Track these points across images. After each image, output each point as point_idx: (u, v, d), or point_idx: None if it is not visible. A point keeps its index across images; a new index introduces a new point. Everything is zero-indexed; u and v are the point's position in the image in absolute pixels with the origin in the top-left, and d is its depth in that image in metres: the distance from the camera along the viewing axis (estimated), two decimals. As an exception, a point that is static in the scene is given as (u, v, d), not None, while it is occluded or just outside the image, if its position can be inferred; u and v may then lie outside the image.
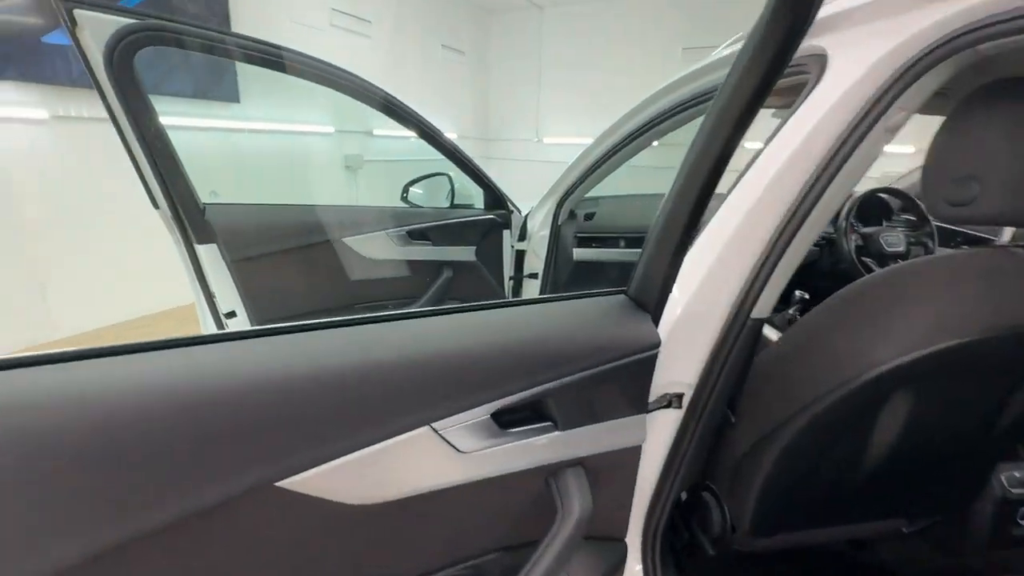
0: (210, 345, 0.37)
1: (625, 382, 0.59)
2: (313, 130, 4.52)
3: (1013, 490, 1.06)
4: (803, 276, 0.91)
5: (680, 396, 0.84)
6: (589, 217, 1.96)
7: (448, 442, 0.47)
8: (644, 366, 0.60)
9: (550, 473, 0.58)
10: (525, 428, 0.53)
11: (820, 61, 0.70)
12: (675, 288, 0.79)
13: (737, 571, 1.12)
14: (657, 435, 0.86)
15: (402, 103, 1.37)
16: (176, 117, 3.17)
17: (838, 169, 0.65)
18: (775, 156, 0.69)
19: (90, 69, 1.02)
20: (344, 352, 0.42)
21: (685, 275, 0.77)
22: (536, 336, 0.53)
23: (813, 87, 0.68)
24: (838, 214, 1.64)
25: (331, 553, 0.47)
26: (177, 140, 1.23)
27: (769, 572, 1.14)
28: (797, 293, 1.46)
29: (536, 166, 6.61)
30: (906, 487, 1.02)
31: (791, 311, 1.42)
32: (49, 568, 0.31)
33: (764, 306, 0.76)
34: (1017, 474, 1.07)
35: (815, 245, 1.82)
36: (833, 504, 1.00)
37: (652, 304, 0.60)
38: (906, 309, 0.68)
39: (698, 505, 1.05)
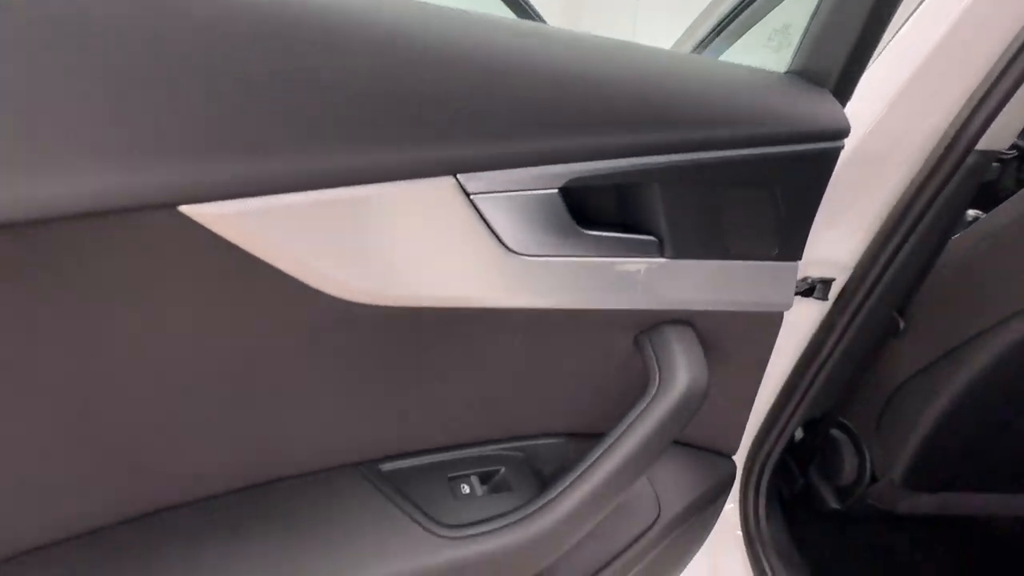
0: None
1: (781, 191, 0.36)
2: None
3: None
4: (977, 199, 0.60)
5: (828, 282, 0.60)
6: None
7: (486, 222, 0.29)
8: (814, 168, 0.37)
9: (641, 328, 0.39)
10: (612, 235, 0.34)
11: None
12: (850, 106, 0.53)
13: (865, 536, 0.87)
14: (785, 335, 0.63)
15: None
16: None
17: None
18: None
19: None
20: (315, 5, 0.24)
21: (868, 88, 0.51)
22: (645, 68, 0.32)
23: None
24: None
25: (345, 361, 0.31)
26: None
27: (910, 544, 0.87)
28: (971, 212, 1.09)
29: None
30: None
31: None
32: None
33: (1001, 135, 0.49)
34: None
35: (997, 160, 1.39)
36: None
37: (833, 77, 0.37)
38: None
39: (823, 446, 0.80)
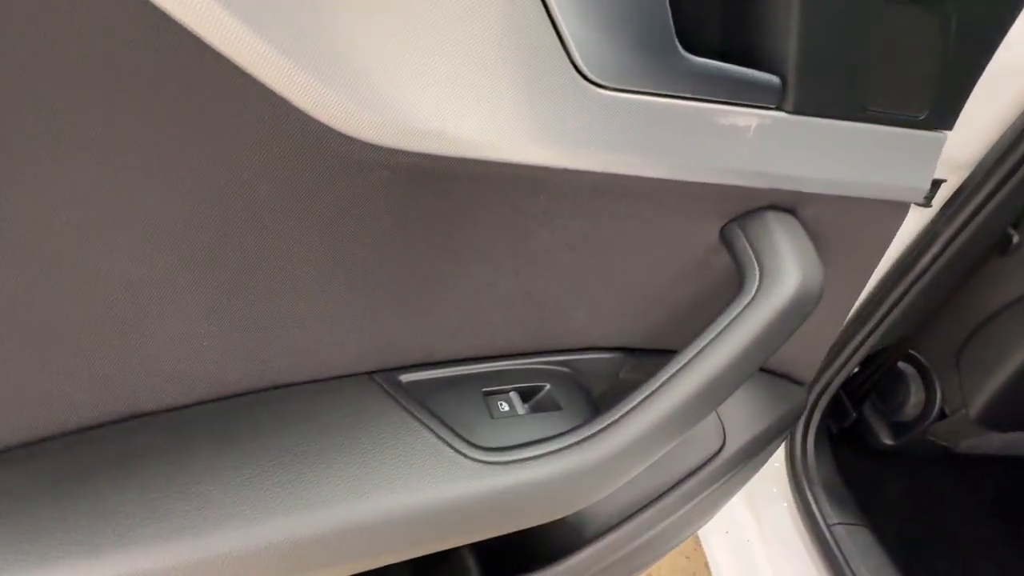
0: None
1: (958, 22, 0.26)
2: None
3: None
4: None
5: (936, 184, 0.50)
6: None
7: (557, 30, 0.19)
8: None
9: (732, 216, 0.30)
10: (722, 65, 0.24)
11: None
12: None
13: (920, 472, 0.81)
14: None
15: None
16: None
17: None
18: None
19: None
20: None
21: None
22: None
23: None
24: None
25: (304, 220, 0.23)
26: None
27: (957, 482, 0.82)
28: None
29: None
30: None
31: None
32: None
33: None
34: None
35: None
36: None
37: None
38: None
39: (891, 381, 0.73)
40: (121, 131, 0.18)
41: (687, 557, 1.02)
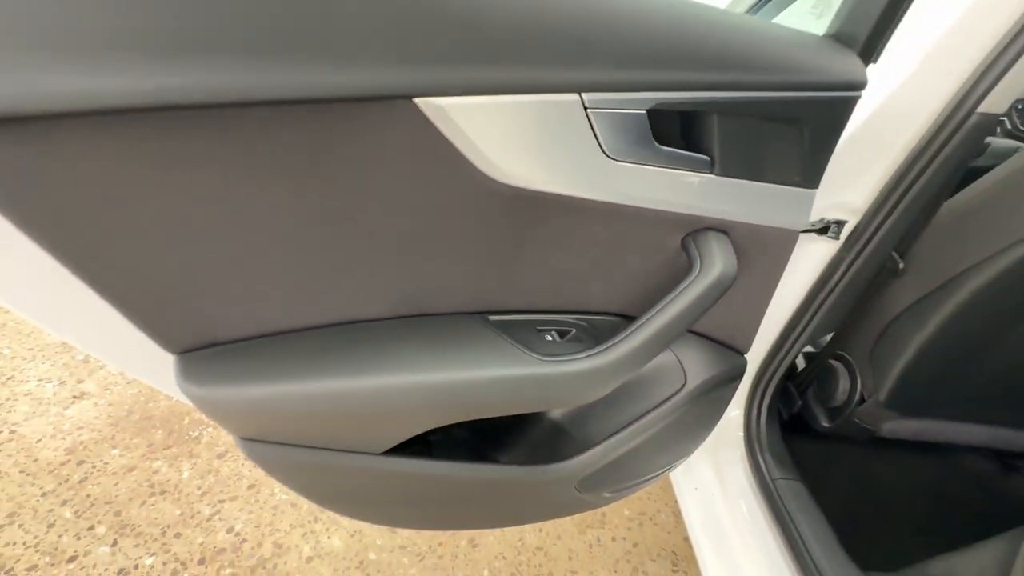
0: None
1: (807, 130, 0.48)
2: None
3: None
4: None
5: (841, 224, 0.71)
6: None
7: (595, 130, 0.41)
8: (835, 114, 0.48)
9: (691, 231, 0.51)
10: (678, 151, 0.45)
11: None
12: (875, 72, 0.63)
13: (849, 452, 1.02)
14: (798, 268, 0.75)
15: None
16: None
17: None
18: None
19: None
20: None
21: (891, 58, 0.61)
22: (716, 26, 0.43)
23: None
24: None
25: (449, 228, 0.45)
26: None
27: (886, 463, 1.02)
28: None
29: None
30: None
31: None
32: None
33: (999, 98, 0.58)
34: None
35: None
36: (1002, 399, 0.84)
37: (862, 40, 0.47)
38: None
39: (823, 374, 0.94)
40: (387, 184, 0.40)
41: (656, 510, 1.22)
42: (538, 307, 0.54)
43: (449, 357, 0.46)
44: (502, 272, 0.50)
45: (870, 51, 0.48)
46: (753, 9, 1.21)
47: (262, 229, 0.39)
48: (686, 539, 1.20)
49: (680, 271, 0.52)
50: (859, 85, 0.47)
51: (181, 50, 0.29)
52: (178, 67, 0.29)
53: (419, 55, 0.34)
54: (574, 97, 0.39)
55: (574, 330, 0.54)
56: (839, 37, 0.49)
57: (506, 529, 1.18)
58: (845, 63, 0.47)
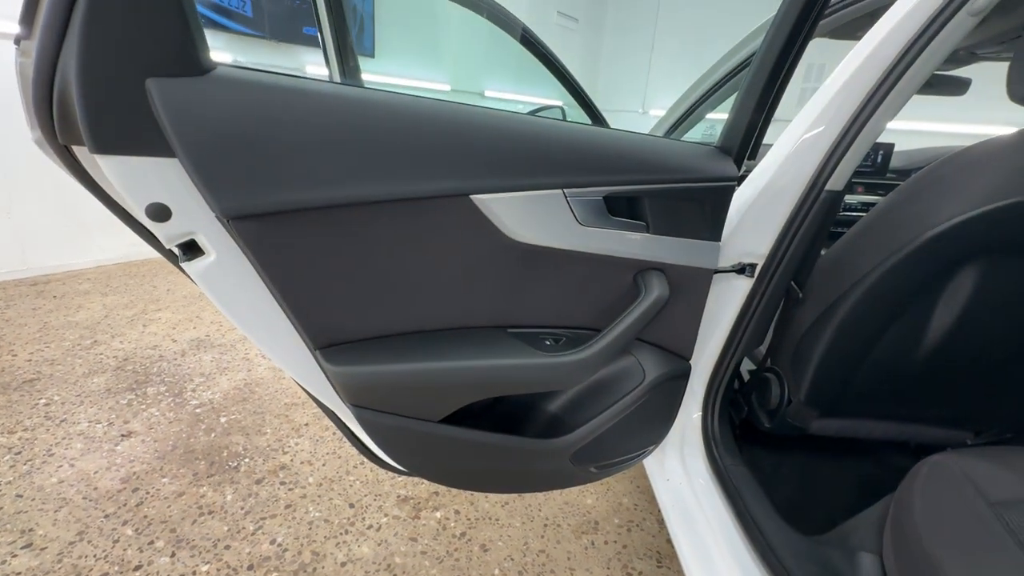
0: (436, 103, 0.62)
1: (705, 206, 0.76)
2: (432, 87, 4.91)
3: None
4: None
5: (753, 266, 0.99)
6: None
7: (572, 210, 0.68)
8: (721, 196, 0.76)
9: (638, 271, 0.78)
10: (625, 220, 0.73)
11: None
12: (760, 166, 0.94)
13: (788, 449, 1.25)
14: (727, 300, 1.02)
15: (533, 33, 1.57)
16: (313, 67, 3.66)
17: (922, 50, 0.75)
18: (867, 44, 0.81)
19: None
20: (515, 120, 0.64)
21: (772, 156, 0.92)
22: (642, 145, 0.72)
23: None
24: None
25: (486, 271, 0.71)
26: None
27: (819, 455, 1.25)
28: None
29: (638, 138, 6.55)
30: (972, 394, 1.07)
31: None
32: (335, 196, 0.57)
33: (839, 179, 0.88)
34: None
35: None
36: (889, 397, 1.09)
37: (735, 149, 0.76)
38: (972, 175, 0.77)
39: (761, 384, 1.19)
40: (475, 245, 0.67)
41: (634, 504, 1.41)
42: (541, 323, 0.80)
43: (484, 351, 0.71)
44: (517, 298, 0.76)
45: (741, 158, 0.77)
46: (667, 132, 1.68)
47: (386, 272, 0.65)
48: (669, 541, 1.38)
49: (633, 297, 0.78)
50: (734, 178, 0.76)
51: (367, 178, 0.57)
52: (365, 185, 0.57)
53: (472, 173, 0.62)
54: (559, 191, 0.67)
55: (564, 338, 0.79)
56: (722, 148, 0.78)
57: (512, 535, 1.36)
58: (725, 165, 0.76)
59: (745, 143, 0.76)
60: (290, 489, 1.46)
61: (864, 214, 1.59)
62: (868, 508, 0.92)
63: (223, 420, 1.75)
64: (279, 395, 1.92)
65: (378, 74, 4.23)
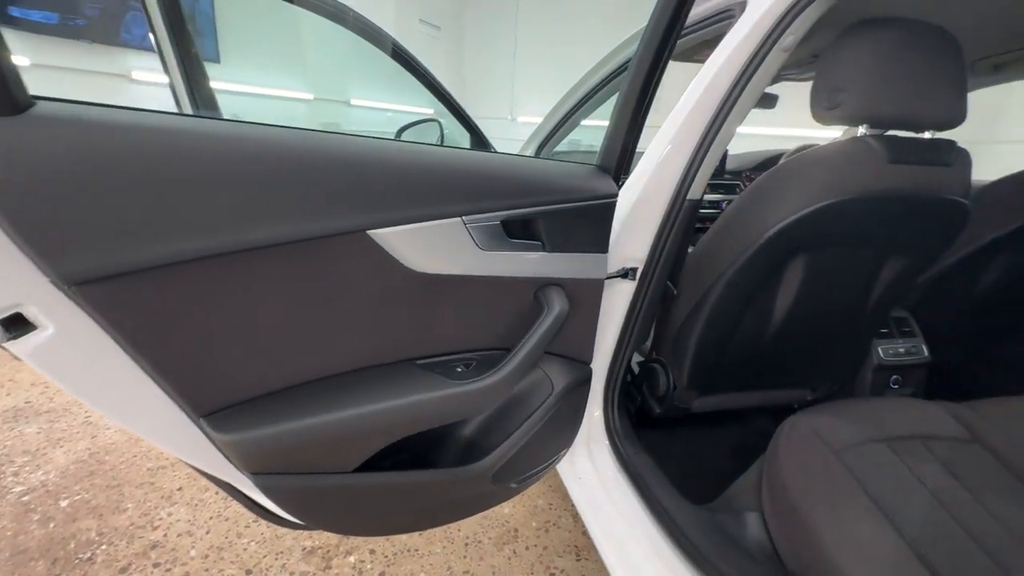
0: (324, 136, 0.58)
1: (591, 222, 0.81)
2: (292, 95, 4.56)
3: (887, 358, 1.36)
4: None
5: (634, 270, 1.08)
6: None
7: (472, 236, 0.68)
8: (604, 211, 0.82)
9: (539, 287, 0.80)
10: (523, 241, 0.75)
11: (742, 5, 0.94)
12: (632, 177, 1.02)
13: (677, 428, 1.39)
14: (615, 302, 1.10)
15: (404, 47, 1.54)
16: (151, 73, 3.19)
17: (749, 79, 0.89)
18: (707, 72, 0.93)
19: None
20: (411, 150, 0.62)
21: (641, 168, 1.01)
22: (533, 170, 0.75)
23: (736, 21, 0.93)
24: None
25: (389, 305, 0.68)
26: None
27: (703, 430, 1.41)
28: None
29: (510, 144, 6.77)
30: (807, 360, 1.30)
31: None
32: (204, 247, 0.50)
33: (697, 189, 1.00)
34: (889, 346, 1.37)
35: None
36: (749, 371, 1.27)
37: (613, 167, 0.82)
38: (798, 183, 0.93)
39: (649, 374, 1.30)
40: (348, 281, 0.63)
41: (549, 505, 1.46)
42: (450, 350, 0.78)
43: (392, 390, 0.67)
44: (423, 329, 0.74)
45: (619, 175, 0.84)
46: (545, 139, 1.79)
47: (277, 321, 0.58)
48: (584, 533, 1.45)
49: (535, 313, 0.81)
50: (614, 195, 0.82)
51: (242, 223, 0.51)
52: (242, 231, 0.51)
53: (367, 207, 0.59)
54: (458, 219, 0.67)
55: (475, 362, 0.79)
56: (600, 167, 0.84)
57: (434, 563, 1.32)
58: (605, 183, 0.82)
59: (621, 161, 0.83)
60: (167, 570, 1.25)
61: (712, 210, 1.83)
62: (746, 471, 1.06)
63: (63, 504, 1.44)
64: (138, 460, 1.64)
65: (228, 81, 3.81)
